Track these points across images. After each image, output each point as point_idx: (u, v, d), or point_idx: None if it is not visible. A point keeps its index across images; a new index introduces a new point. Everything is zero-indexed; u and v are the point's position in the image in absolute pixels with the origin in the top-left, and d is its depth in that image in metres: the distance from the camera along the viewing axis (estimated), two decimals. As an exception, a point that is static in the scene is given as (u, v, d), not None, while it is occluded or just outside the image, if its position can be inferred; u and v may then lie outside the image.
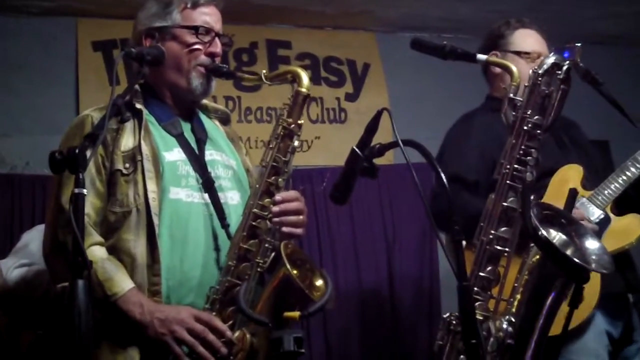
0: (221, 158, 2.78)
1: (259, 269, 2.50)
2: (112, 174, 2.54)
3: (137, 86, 2.67)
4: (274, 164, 2.57)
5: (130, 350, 2.41)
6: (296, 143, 2.61)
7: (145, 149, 2.55)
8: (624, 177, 3.36)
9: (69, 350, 1.82)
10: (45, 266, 2.61)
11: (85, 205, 2.22)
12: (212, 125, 2.90)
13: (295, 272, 2.38)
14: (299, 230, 2.61)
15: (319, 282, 2.47)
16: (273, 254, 2.50)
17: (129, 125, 2.60)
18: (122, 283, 2.40)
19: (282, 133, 2.60)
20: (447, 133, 3.57)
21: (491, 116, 3.41)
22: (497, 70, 3.50)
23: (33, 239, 3.53)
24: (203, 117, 2.88)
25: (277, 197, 2.55)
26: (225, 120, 3.00)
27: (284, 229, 2.56)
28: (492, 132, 3.32)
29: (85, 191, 1.95)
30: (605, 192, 3.35)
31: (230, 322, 2.45)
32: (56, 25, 5.56)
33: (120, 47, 5.47)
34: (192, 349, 2.36)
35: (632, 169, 3.36)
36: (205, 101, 2.91)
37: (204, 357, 2.36)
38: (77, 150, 1.97)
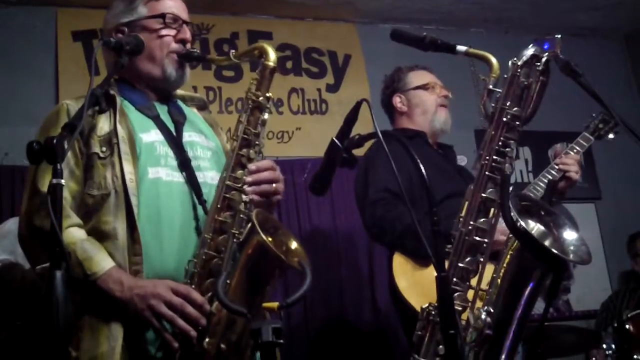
0: (200, 139, 2.81)
1: (235, 240, 2.51)
2: (88, 158, 2.56)
3: (112, 80, 2.68)
4: (244, 136, 2.60)
5: (114, 329, 2.41)
6: (266, 116, 2.65)
7: (121, 131, 2.58)
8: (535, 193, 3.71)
9: (47, 341, 1.82)
10: (22, 250, 2.59)
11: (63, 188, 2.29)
12: (190, 111, 2.93)
13: (269, 239, 2.39)
14: (273, 199, 2.65)
15: (294, 246, 2.48)
16: (249, 224, 2.49)
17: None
18: (102, 262, 2.41)
19: (250, 106, 2.65)
20: (365, 159, 3.83)
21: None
22: (404, 108, 4.12)
23: (12, 229, 3.52)
24: (181, 104, 2.91)
25: (251, 166, 2.59)
26: (202, 107, 3.05)
27: (259, 197, 2.60)
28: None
29: (63, 181, 1.94)
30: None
31: (210, 294, 2.47)
32: (36, 15, 5.53)
33: (100, 37, 5.44)
34: (171, 323, 2.37)
35: (541, 184, 3.73)
36: (181, 92, 2.95)
37: (183, 330, 2.37)
38: (55, 141, 1.96)
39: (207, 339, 2.40)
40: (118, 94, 2.68)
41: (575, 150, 3.77)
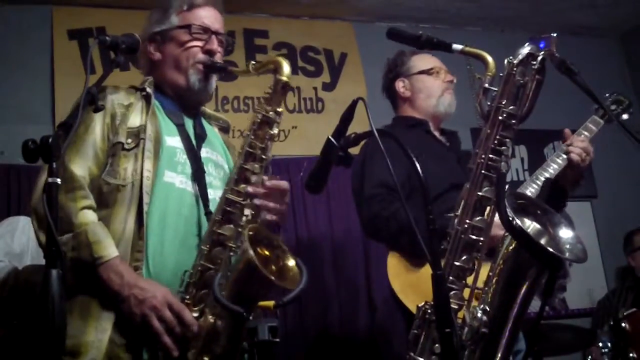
0: (215, 158, 2.86)
1: (231, 254, 2.53)
2: (113, 146, 2.61)
3: (151, 77, 2.82)
4: (250, 149, 2.62)
5: (104, 321, 2.43)
6: (275, 130, 2.66)
7: (149, 129, 2.64)
8: (535, 186, 3.54)
9: (43, 339, 1.82)
10: (34, 218, 2.55)
11: (83, 168, 2.50)
12: (211, 130, 2.99)
13: (266, 252, 2.40)
14: (269, 217, 2.66)
15: (291, 263, 2.47)
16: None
17: (138, 106, 2.71)
18: (109, 248, 2.44)
19: (260, 120, 2.65)
20: (362, 151, 3.73)
21: (404, 132, 3.68)
22: (407, 94, 3.96)
23: (4, 233, 3.52)
24: (204, 123, 2.97)
25: (249, 188, 2.60)
26: (224, 129, 3.10)
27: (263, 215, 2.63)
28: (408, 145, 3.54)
29: (59, 180, 1.94)
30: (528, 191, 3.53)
31: (202, 305, 2.49)
32: (31, 13, 5.52)
33: (96, 36, 5.44)
34: (157, 338, 2.39)
35: (541, 178, 3.56)
36: (208, 110, 3.03)
37: (167, 348, 2.39)
38: (50, 140, 1.96)
39: (191, 350, 2.42)
40: (153, 94, 2.76)
41: (583, 135, 3.56)
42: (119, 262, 2.43)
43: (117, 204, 2.54)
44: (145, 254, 2.51)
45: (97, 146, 2.59)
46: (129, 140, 2.60)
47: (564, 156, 3.48)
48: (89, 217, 2.48)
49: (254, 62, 2.78)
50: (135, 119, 2.65)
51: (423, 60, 3.99)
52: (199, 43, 2.81)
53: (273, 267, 2.42)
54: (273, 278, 2.34)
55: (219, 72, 2.88)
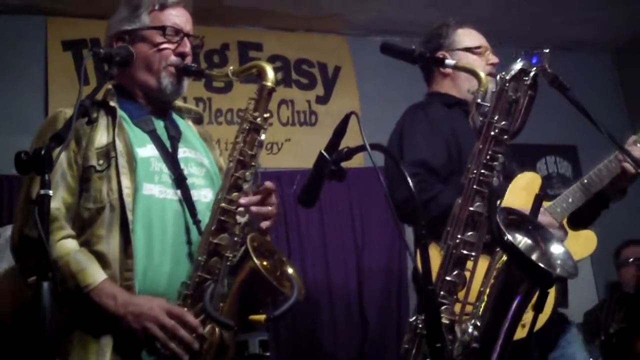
0: (195, 156, 2.79)
1: (228, 263, 2.50)
2: (84, 170, 2.54)
3: (110, 86, 2.71)
4: (240, 157, 2.58)
5: (103, 344, 2.40)
6: (263, 137, 2.63)
7: (119, 145, 2.56)
8: (582, 194, 3.44)
9: (34, 352, 1.81)
10: (14, 260, 2.57)
11: (56, 199, 2.40)
12: (185, 125, 2.91)
13: (265, 263, 2.40)
14: (262, 224, 2.63)
15: (291, 271, 2.49)
16: (243, 247, 2.50)
17: (103, 122, 2.61)
18: (95, 274, 2.40)
19: (248, 127, 2.63)
20: (399, 125, 3.50)
21: (444, 110, 3.50)
22: (448, 70, 3.54)
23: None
24: (177, 118, 2.90)
25: (242, 200, 2.56)
26: (198, 120, 3.03)
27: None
28: (449, 124, 3.39)
29: (51, 192, 1.94)
30: (564, 204, 3.44)
31: (202, 317, 2.45)
32: (26, 24, 5.53)
33: (90, 47, 5.46)
34: (164, 346, 2.36)
35: (591, 188, 3.45)
36: (178, 103, 2.94)
37: (176, 354, 2.36)
38: (43, 151, 1.96)
39: None
40: (117, 105, 2.67)
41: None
42: (108, 285, 2.41)
43: (98, 227, 2.49)
44: (134, 272, 2.47)
45: (67, 174, 2.53)
46: (100, 162, 2.54)
47: (616, 162, 3.37)
48: (68, 246, 2.44)
49: (232, 68, 2.74)
50: (102, 138, 2.58)
51: (470, 36, 3.67)
52: (171, 45, 2.75)
53: (272, 277, 2.42)
54: (275, 283, 2.35)
55: (193, 75, 2.83)
